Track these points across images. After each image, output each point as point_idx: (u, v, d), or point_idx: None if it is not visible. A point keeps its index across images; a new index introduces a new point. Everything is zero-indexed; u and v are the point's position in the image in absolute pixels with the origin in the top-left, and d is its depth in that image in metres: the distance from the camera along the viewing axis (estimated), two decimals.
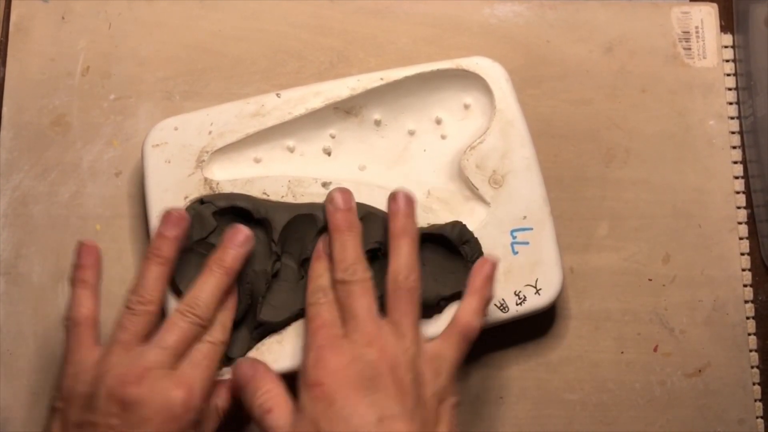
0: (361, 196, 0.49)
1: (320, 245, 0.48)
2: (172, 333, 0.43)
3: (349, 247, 0.46)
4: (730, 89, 0.58)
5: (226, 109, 0.51)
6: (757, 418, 0.54)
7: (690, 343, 0.54)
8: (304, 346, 0.45)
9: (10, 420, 0.51)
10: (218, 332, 0.45)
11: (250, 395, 0.43)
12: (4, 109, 0.55)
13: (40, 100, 0.55)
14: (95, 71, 0.56)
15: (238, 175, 0.50)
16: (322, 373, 0.41)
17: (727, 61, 0.58)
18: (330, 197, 0.47)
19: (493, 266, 0.47)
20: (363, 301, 0.44)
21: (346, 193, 0.48)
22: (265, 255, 0.48)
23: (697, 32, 0.58)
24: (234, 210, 0.48)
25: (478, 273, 0.47)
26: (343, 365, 0.42)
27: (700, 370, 0.54)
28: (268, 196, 0.49)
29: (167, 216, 0.46)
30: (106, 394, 0.41)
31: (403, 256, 0.45)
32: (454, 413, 0.44)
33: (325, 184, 0.50)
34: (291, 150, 0.52)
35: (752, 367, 0.54)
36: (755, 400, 0.54)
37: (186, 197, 0.49)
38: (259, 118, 0.50)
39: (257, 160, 0.51)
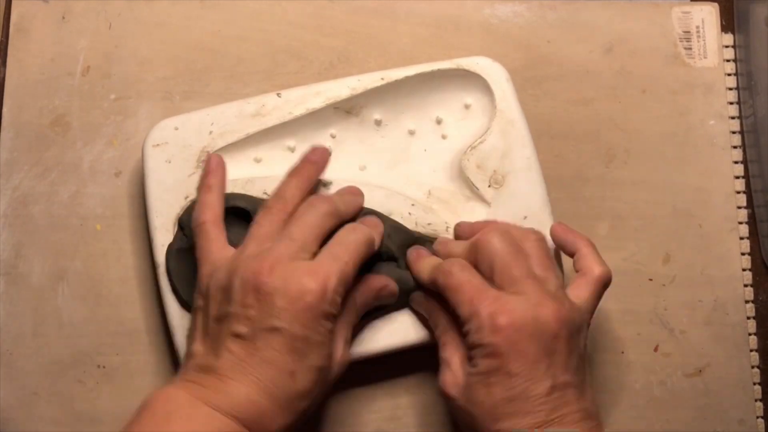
0: None
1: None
2: (298, 225, 0.44)
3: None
4: (730, 89, 0.58)
5: (227, 109, 0.51)
6: (757, 418, 0.54)
7: (690, 343, 0.54)
8: (462, 307, 0.43)
9: (10, 420, 0.51)
10: (362, 230, 0.45)
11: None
12: (5, 109, 0.55)
13: (41, 100, 0.55)
14: (95, 71, 0.55)
15: (239, 175, 0.50)
16: (497, 334, 0.41)
17: (728, 60, 0.58)
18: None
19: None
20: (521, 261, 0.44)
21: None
22: None
23: (697, 32, 0.58)
24: (234, 210, 0.48)
25: (568, 232, 0.48)
26: (518, 325, 0.41)
27: (700, 370, 0.54)
28: (269, 195, 0.49)
29: (314, 150, 0.48)
30: (241, 286, 0.42)
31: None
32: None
33: (325, 184, 0.50)
34: (291, 150, 0.52)
35: (752, 367, 0.54)
36: (755, 400, 0.54)
37: (186, 197, 0.49)
38: (259, 118, 0.50)
39: (257, 160, 0.51)
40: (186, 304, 0.48)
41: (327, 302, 0.41)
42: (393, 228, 0.49)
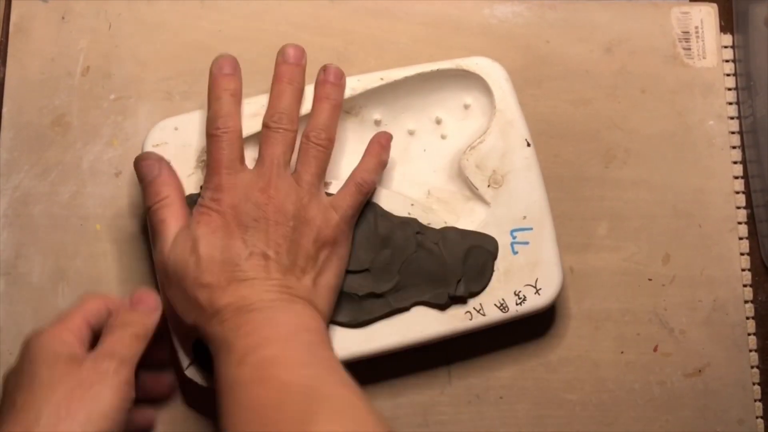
0: None
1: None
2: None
3: (285, 98, 0.48)
4: (729, 89, 0.58)
5: None
6: (757, 418, 0.54)
7: (690, 343, 0.54)
8: (209, 170, 0.47)
9: None
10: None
11: (150, 198, 0.47)
12: (4, 109, 0.55)
13: (40, 100, 0.55)
14: (95, 71, 0.56)
15: None
16: (215, 205, 0.45)
17: (727, 61, 0.58)
18: (282, 50, 0.49)
19: (389, 137, 0.51)
20: (276, 149, 0.47)
21: (298, 49, 0.49)
22: None
23: (696, 32, 0.58)
24: None
25: (376, 140, 0.50)
26: (234, 202, 0.45)
27: (699, 371, 0.54)
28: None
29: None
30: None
31: (322, 118, 0.48)
32: (339, 263, 0.47)
33: (326, 184, 0.50)
34: None
35: (752, 367, 0.54)
36: (755, 400, 0.54)
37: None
38: (259, 119, 0.50)
39: (257, 160, 0.51)
40: None
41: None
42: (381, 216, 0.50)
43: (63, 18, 0.56)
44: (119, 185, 0.54)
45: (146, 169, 0.48)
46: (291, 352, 0.42)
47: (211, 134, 0.47)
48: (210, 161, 0.47)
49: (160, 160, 0.48)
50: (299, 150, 0.48)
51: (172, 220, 0.46)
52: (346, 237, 0.48)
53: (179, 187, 0.48)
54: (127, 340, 0.43)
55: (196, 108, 0.51)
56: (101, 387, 0.40)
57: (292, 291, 0.44)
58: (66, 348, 0.42)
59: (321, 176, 0.48)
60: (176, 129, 0.50)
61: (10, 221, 0.53)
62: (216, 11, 0.57)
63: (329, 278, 0.47)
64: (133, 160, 0.48)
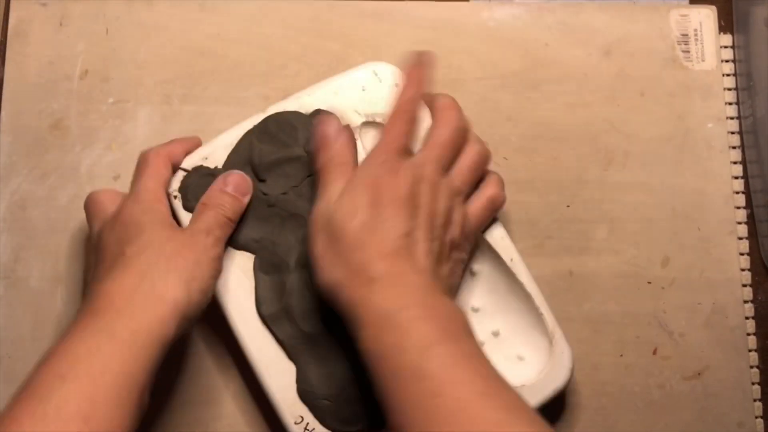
0: None
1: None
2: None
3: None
4: (729, 89, 0.58)
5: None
6: (756, 418, 0.54)
7: (689, 346, 0.54)
8: (385, 140, 0.46)
9: None
10: None
11: (325, 155, 0.47)
12: (3, 112, 0.55)
13: (39, 104, 0.55)
14: (94, 75, 0.55)
15: None
16: (390, 177, 0.45)
17: (727, 61, 0.58)
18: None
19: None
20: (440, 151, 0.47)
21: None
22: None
23: (695, 35, 0.58)
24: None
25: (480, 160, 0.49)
26: (409, 180, 0.45)
27: (699, 373, 0.54)
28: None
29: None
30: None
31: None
32: (462, 268, 0.48)
33: None
34: None
35: (751, 367, 0.54)
36: (754, 400, 0.54)
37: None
38: None
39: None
40: None
41: None
42: None
43: (61, 22, 0.56)
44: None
45: (327, 131, 0.47)
46: (451, 359, 0.40)
47: (397, 111, 0.47)
48: (388, 135, 0.47)
49: (340, 123, 0.48)
50: (463, 160, 0.48)
51: (341, 178, 0.46)
52: (469, 245, 0.49)
53: (356, 151, 0.48)
54: (222, 221, 0.47)
55: (195, 111, 0.51)
56: (202, 256, 0.45)
57: (438, 283, 0.44)
58: (165, 212, 0.47)
59: (468, 188, 0.48)
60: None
61: (8, 225, 0.53)
62: (215, 14, 0.57)
63: (456, 279, 0.47)
64: (315, 122, 0.49)
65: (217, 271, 0.46)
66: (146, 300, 0.42)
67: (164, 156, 0.48)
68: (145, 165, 0.48)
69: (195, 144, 0.50)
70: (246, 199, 0.48)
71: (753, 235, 0.56)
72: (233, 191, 0.48)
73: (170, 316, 0.42)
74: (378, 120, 0.51)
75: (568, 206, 0.55)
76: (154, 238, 0.44)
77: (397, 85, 0.50)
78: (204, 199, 0.47)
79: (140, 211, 0.46)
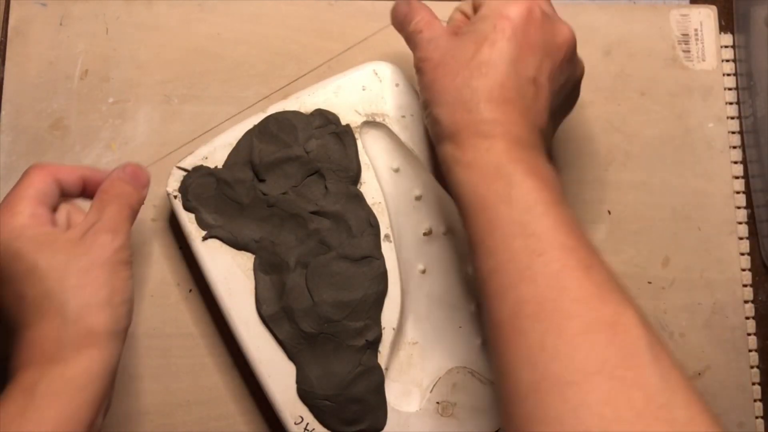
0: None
1: None
2: None
3: None
4: (730, 89, 0.58)
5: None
6: (756, 418, 0.54)
7: (689, 346, 0.54)
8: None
9: None
10: None
11: (407, 27, 0.46)
12: (3, 112, 0.55)
13: (39, 104, 0.55)
14: (94, 75, 0.55)
15: None
16: (502, 22, 0.42)
17: (727, 61, 0.58)
18: None
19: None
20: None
21: None
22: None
23: (696, 35, 0.58)
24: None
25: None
26: (519, 23, 0.42)
27: (699, 374, 0.54)
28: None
29: None
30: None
31: None
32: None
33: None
34: None
35: (752, 367, 0.54)
36: (755, 400, 0.54)
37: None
38: None
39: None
40: None
41: None
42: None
43: (61, 22, 0.56)
44: None
45: (400, 8, 0.47)
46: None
47: None
48: None
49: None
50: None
51: (428, 31, 0.45)
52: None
53: (432, 12, 0.46)
54: (127, 213, 0.42)
55: (195, 111, 0.51)
56: (115, 264, 0.40)
57: (545, 143, 0.43)
58: (44, 227, 0.40)
59: None
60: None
61: None
62: (214, 14, 0.57)
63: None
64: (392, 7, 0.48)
65: (131, 270, 0.41)
66: (77, 340, 0.38)
67: (48, 172, 0.43)
68: (22, 177, 0.43)
69: (94, 173, 0.45)
70: (145, 192, 0.44)
71: (753, 235, 0.56)
72: (132, 181, 0.44)
73: (105, 347, 0.38)
74: (378, 120, 0.51)
75: None
76: (49, 268, 0.38)
77: (397, 85, 0.50)
78: (103, 187, 0.43)
79: (15, 240, 0.39)
